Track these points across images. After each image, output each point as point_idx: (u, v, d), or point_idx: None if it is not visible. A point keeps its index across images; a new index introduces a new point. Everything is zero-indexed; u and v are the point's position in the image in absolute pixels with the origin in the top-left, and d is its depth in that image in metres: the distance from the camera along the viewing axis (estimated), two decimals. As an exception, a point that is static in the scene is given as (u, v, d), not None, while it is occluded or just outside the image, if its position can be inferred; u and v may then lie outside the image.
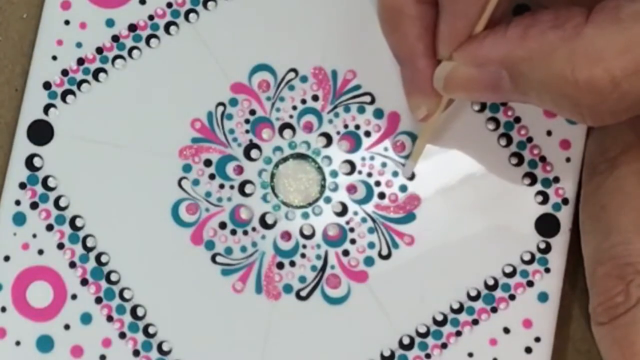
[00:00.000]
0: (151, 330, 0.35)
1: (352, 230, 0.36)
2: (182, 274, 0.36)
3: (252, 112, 0.37)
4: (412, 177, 0.36)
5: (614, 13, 0.26)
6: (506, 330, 0.35)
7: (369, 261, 0.36)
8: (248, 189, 0.36)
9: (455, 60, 0.30)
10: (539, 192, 0.36)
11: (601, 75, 0.25)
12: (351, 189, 0.36)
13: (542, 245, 0.36)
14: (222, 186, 0.36)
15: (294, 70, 0.37)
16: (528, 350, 0.35)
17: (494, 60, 0.28)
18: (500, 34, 0.28)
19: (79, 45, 0.37)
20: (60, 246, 0.36)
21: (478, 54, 0.29)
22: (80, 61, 0.37)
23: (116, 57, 0.37)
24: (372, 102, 0.37)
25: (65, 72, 0.37)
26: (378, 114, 0.37)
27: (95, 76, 0.37)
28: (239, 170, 0.36)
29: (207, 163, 0.36)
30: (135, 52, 0.37)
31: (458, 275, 0.36)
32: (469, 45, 0.29)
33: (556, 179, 0.36)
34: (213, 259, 0.36)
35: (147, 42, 0.37)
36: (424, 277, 0.36)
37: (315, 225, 0.36)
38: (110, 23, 0.37)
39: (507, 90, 0.29)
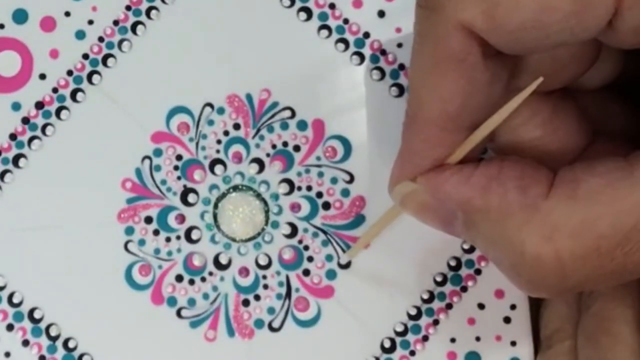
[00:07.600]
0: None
1: (306, 248, 0.35)
2: (151, 337, 0.35)
3: (179, 157, 0.36)
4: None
5: (572, 188, 0.25)
6: (481, 306, 0.35)
7: (331, 274, 0.35)
8: (194, 235, 0.36)
9: (418, 183, 0.28)
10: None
11: (548, 254, 0.25)
12: (295, 207, 0.36)
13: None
14: (168, 239, 0.36)
15: (209, 104, 0.36)
16: (507, 320, 0.35)
17: (453, 200, 0.27)
18: (465, 176, 0.27)
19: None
20: (10, 327, 0.36)
21: (440, 189, 0.27)
22: (-4, 152, 0.36)
23: (32, 138, 0.36)
24: (293, 115, 0.36)
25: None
26: (302, 125, 0.36)
27: (15, 162, 0.36)
28: (181, 218, 0.36)
29: (148, 220, 0.36)
30: (48, 128, 0.36)
31: (420, 265, 0.35)
32: (435, 176, 0.28)
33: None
34: (178, 314, 0.35)
35: (58, 115, 0.36)
36: (388, 275, 0.35)
37: (269, 253, 0.36)
38: (16, 107, 0.36)
39: (458, 231, 0.28)
